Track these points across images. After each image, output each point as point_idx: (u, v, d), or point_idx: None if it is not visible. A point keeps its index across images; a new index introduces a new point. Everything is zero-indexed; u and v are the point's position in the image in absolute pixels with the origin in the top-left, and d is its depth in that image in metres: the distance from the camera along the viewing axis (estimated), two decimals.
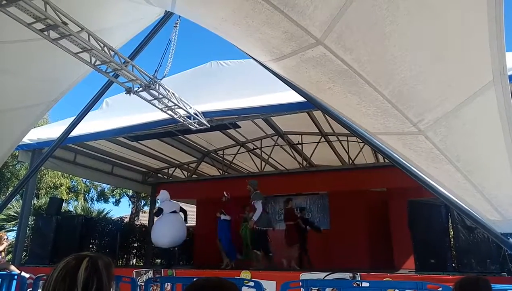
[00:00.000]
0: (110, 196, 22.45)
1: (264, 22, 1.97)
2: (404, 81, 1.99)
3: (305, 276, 5.39)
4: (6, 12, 2.93)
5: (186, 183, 11.10)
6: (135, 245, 11.85)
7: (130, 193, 19.79)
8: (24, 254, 8.10)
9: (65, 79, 4.46)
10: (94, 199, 22.06)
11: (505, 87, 1.83)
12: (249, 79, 6.63)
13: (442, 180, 2.67)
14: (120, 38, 4.36)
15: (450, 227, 5.81)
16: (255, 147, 9.65)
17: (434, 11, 1.66)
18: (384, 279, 4.88)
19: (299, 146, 9.18)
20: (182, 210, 8.15)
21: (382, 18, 1.70)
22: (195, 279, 1.22)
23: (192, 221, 14.49)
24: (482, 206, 2.65)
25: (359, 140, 6.87)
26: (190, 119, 6.04)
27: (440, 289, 3.16)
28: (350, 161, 8.91)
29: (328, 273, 5.50)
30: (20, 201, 12.01)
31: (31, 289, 4.35)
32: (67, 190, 19.50)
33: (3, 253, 7.47)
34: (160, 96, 5.14)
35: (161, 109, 5.56)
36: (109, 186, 20.59)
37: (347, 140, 8.66)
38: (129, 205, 21.26)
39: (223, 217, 7.74)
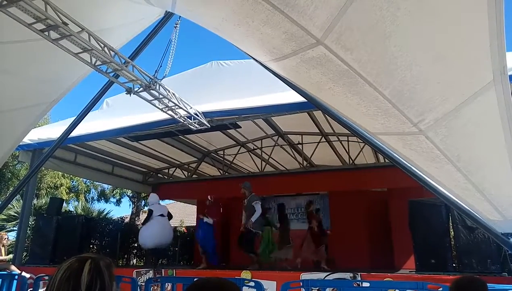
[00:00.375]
0: (110, 196, 22.47)
1: (264, 22, 1.97)
2: (404, 81, 1.99)
3: (305, 276, 5.39)
4: (6, 13, 2.93)
5: (187, 183, 11.10)
6: (136, 245, 11.84)
7: (131, 193, 19.78)
8: (24, 254, 8.10)
9: (66, 79, 4.46)
10: (95, 199, 22.10)
11: (506, 87, 1.83)
12: (249, 79, 6.63)
13: (442, 180, 2.67)
14: (120, 39, 4.36)
15: (451, 227, 5.81)
16: (255, 147, 9.65)
17: (434, 11, 1.66)
18: (385, 279, 4.88)
19: (300, 146, 9.18)
20: (168, 213, 8.21)
21: (382, 18, 1.70)
22: (195, 279, 1.22)
23: (192, 221, 14.51)
24: (483, 206, 2.65)
25: (359, 140, 6.88)
26: (191, 120, 6.04)
27: (441, 289, 3.16)
28: (351, 161, 8.91)
29: (329, 273, 5.51)
30: (21, 201, 12.02)
31: (31, 289, 4.35)
32: (67, 190, 19.52)
33: (3, 253, 7.47)
34: (161, 96, 5.14)
35: (161, 110, 5.56)
36: (109, 186, 20.62)
37: (348, 141, 8.65)
38: (130, 205, 21.27)
39: (205, 220, 7.80)
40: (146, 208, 8.39)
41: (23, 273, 4.87)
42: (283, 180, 9.97)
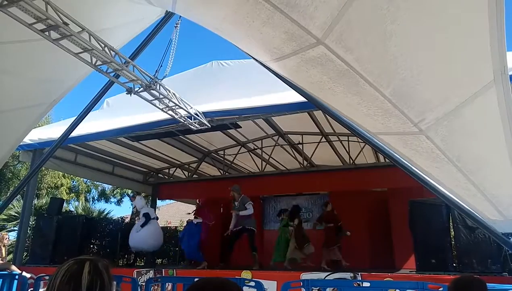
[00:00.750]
0: (111, 196, 22.47)
1: (265, 22, 1.97)
2: (405, 81, 1.99)
3: (306, 276, 5.39)
4: (7, 13, 2.93)
5: (187, 183, 11.10)
6: None
7: (131, 193, 19.78)
8: (25, 254, 8.10)
9: (66, 79, 4.46)
10: (95, 199, 22.10)
11: (506, 87, 1.83)
12: (249, 79, 6.63)
13: (443, 180, 2.67)
14: (121, 39, 4.36)
15: (451, 227, 5.81)
16: (255, 147, 9.64)
17: (435, 11, 1.66)
18: (385, 279, 4.88)
19: (300, 146, 9.18)
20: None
21: (383, 18, 1.70)
22: (196, 279, 1.23)
23: None
24: (483, 205, 2.65)
25: (360, 140, 6.87)
26: (191, 120, 6.04)
27: (441, 289, 3.16)
28: (351, 161, 8.91)
29: (329, 273, 5.51)
30: (21, 201, 12.03)
31: (32, 289, 4.34)
32: (67, 190, 19.52)
33: (3, 253, 7.48)
34: (161, 96, 5.15)
35: (161, 110, 5.56)
36: (110, 186, 20.63)
37: (348, 140, 8.65)
38: (130, 205, 21.28)
39: (196, 220, 7.88)
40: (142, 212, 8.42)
41: (24, 273, 4.86)
42: (283, 180, 9.97)
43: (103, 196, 22.11)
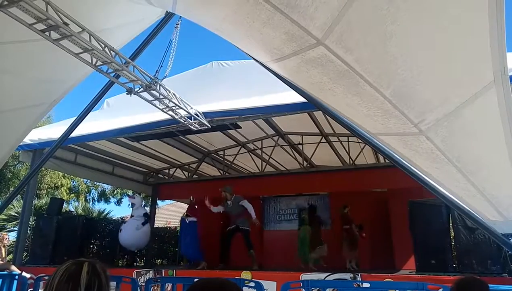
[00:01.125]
0: (110, 196, 22.47)
1: (265, 22, 1.97)
2: (405, 81, 1.99)
3: (305, 276, 5.39)
4: (7, 13, 2.93)
5: (187, 183, 11.09)
6: None
7: (131, 193, 19.78)
8: (25, 254, 8.10)
9: (66, 79, 4.46)
10: (95, 199, 22.10)
11: (506, 88, 1.83)
12: (249, 79, 6.63)
13: (442, 181, 2.67)
14: (121, 39, 4.36)
15: (451, 227, 5.81)
16: (255, 147, 9.64)
17: (435, 11, 1.66)
18: (385, 280, 4.88)
19: (300, 146, 9.18)
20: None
21: (383, 18, 1.70)
22: (196, 280, 1.23)
23: None
24: (483, 206, 2.65)
25: (359, 140, 6.87)
26: (191, 120, 6.04)
27: (441, 289, 3.16)
28: (351, 162, 8.90)
29: (329, 273, 5.51)
30: (21, 201, 12.03)
31: (32, 289, 4.34)
32: (67, 191, 19.53)
33: (3, 253, 7.47)
34: (161, 96, 5.15)
35: (162, 110, 5.56)
36: (109, 186, 20.63)
37: (348, 141, 8.65)
38: (129, 205, 21.25)
39: (189, 219, 7.87)
40: (146, 209, 8.54)
41: (24, 273, 4.87)
42: (283, 180, 9.97)
43: (103, 196, 22.12)
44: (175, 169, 11.10)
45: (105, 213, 17.83)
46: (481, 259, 5.29)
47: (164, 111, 5.61)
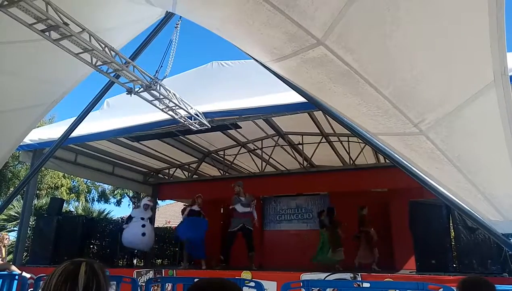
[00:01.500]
0: (111, 197, 22.48)
1: (265, 22, 1.97)
2: (405, 81, 1.99)
3: (305, 276, 5.39)
4: (7, 13, 2.93)
5: (187, 183, 11.10)
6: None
7: (131, 193, 19.80)
8: (25, 254, 8.10)
9: (66, 80, 4.46)
10: (95, 199, 22.11)
11: (506, 88, 1.83)
12: (250, 79, 6.63)
13: (443, 181, 2.67)
14: (121, 39, 4.36)
15: (451, 227, 5.81)
16: (255, 147, 9.65)
17: (435, 11, 1.66)
18: (385, 280, 4.87)
19: (300, 146, 9.18)
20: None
21: (383, 18, 1.70)
22: (196, 280, 1.23)
23: None
24: (483, 206, 2.65)
25: (360, 140, 6.87)
26: (191, 120, 6.04)
27: (441, 289, 3.16)
28: (351, 162, 8.90)
29: (329, 273, 5.50)
30: (21, 201, 12.03)
31: (32, 289, 4.35)
32: (67, 191, 19.54)
33: (3, 253, 7.47)
34: (161, 96, 5.15)
35: (162, 110, 5.56)
36: (110, 186, 20.64)
37: (348, 141, 8.65)
38: (129, 205, 21.29)
39: (194, 207, 7.77)
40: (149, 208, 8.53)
41: (24, 273, 4.87)
42: (283, 180, 9.98)
43: (103, 196, 22.13)
44: (175, 169, 11.10)
45: (105, 213, 17.87)
46: (482, 259, 5.28)
47: (164, 111, 5.62)
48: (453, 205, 2.91)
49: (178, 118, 5.85)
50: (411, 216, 6.21)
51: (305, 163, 9.42)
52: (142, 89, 4.83)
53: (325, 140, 8.82)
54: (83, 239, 8.34)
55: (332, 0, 1.72)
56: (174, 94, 5.34)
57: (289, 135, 8.86)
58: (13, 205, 14.43)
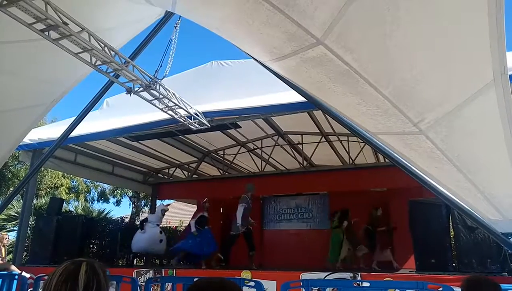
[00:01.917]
0: (110, 196, 22.46)
1: (265, 22, 1.97)
2: (404, 81, 1.99)
3: (305, 276, 5.39)
4: (6, 12, 2.93)
5: (187, 183, 11.11)
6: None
7: (131, 193, 19.81)
8: (24, 254, 8.10)
9: (66, 79, 4.46)
10: (95, 199, 22.10)
11: (506, 87, 1.83)
12: (249, 79, 6.63)
13: (442, 180, 2.67)
14: (120, 39, 4.36)
15: (451, 226, 5.81)
16: (255, 147, 9.65)
17: (434, 10, 1.66)
18: (385, 279, 4.88)
19: (300, 146, 9.18)
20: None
21: (383, 18, 1.70)
22: (196, 279, 1.23)
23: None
24: (483, 205, 2.65)
25: (359, 140, 6.88)
26: (191, 119, 6.04)
27: (441, 289, 3.16)
28: (351, 161, 8.91)
29: (329, 273, 5.51)
30: (21, 201, 12.02)
31: (31, 289, 4.34)
32: (67, 191, 19.52)
33: (3, 253, 7.47)
34: (161, 96, 5.15)
35: (161, 110, 5.56)
36: (109, 186, 20.62)
37: (348, 140, 8.65)
38: (129, 205, 21.31)
39: (205, 214, 7.74)
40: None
41: (23, 273, 4.87)
42: (283, 180, 9.97)
43: (103, 196, 22.11)
44: (175, 168, 11.10)
45: (105, 212, 17.85)
46: (481, 258, 5.29)
47: (164, 111, 5.62)
48: (452, 204, 2.91)
49: (178, 118, 5.85)
50: (410, 215, 6.21)
51: (305, 163, 9.42)
52: (141, 88, 4.83)
53: (325, 140, 8.82)
54: (82, 239, 8.34)
55: (332, 0, 1.72)
56: (173, 93, 5.34)
57: (288, 135, 8.86)
58: (12, 205, 14.42)
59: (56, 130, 6.73)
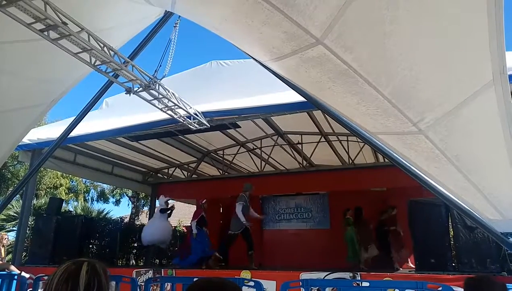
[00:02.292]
0: (110, 196, 22.47)
1: (264, 22, 1.97)
2: (404, 81, 1.99)
3: (305, 275, 5.39)
4: (6, 12, 2.93)
5: (186, 183, 11.11)
6: (135, 245, 11.85)
7: (130, 193, 19.80)
8: (24, 254, 8.09)
9: (65, 79, 4.46)
10: (94, 199, 22.09)
11: (505, 87, 1.83)
12: (249, 79, 6.63)
13: (442, 180, 2.66)
14: (120, 38, 4.36)
15: (450, 226, 5.81)
16: (255, 147, 9.65)
17: (434, 10, 1.66)
18: (384, 279, 4.88)
19: (299, 146, 9.19)
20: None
21: (382, 17, 1.70)
22: (196, 279, 1.23)
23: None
24: (482, 205, 2.65)
25: (359, 140, 6.88)
26: (190, 119, 6.04)
27: (440, 288, 3.16)
28: (350, 161, 8.91)
29: (328, 272, 5.50)
30: (20, 201, 12.01)
31: (31, 289, 4.35)
32: (66, 191, 19.52)
33: (3, 253, 7.46)
34: (160, 96, 5.14)
35: (161, 109, 5.56)
36: (109, 186, 20.62)
37: (347, 140, 8.66)
38: (129, 205, 21.30)
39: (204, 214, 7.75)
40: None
41: (23, 273, 4.87)
42: (282, 180, 9.98)
43: (102, 196, 22.11)
44: (174, 168, 11.10)
45: (104, 212, 17.85)
46: (481, 258, 5.29)
47: (163, 111, 5.61)
48: (452, 204, 2.90)
49: (177, 118, 5.85)
50: (410, 215, 6.21)
51: (305, 163, 9.42)
52: (141, 88, 4.83)
53: (324, 140, 8.83)
54: (82, 239, 8.34)
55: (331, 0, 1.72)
56: (173, 93, 5.34)
57: (288, 135, 8.87)
58: (12, 205, 14.41)
59: (56, 130, 6.73)
